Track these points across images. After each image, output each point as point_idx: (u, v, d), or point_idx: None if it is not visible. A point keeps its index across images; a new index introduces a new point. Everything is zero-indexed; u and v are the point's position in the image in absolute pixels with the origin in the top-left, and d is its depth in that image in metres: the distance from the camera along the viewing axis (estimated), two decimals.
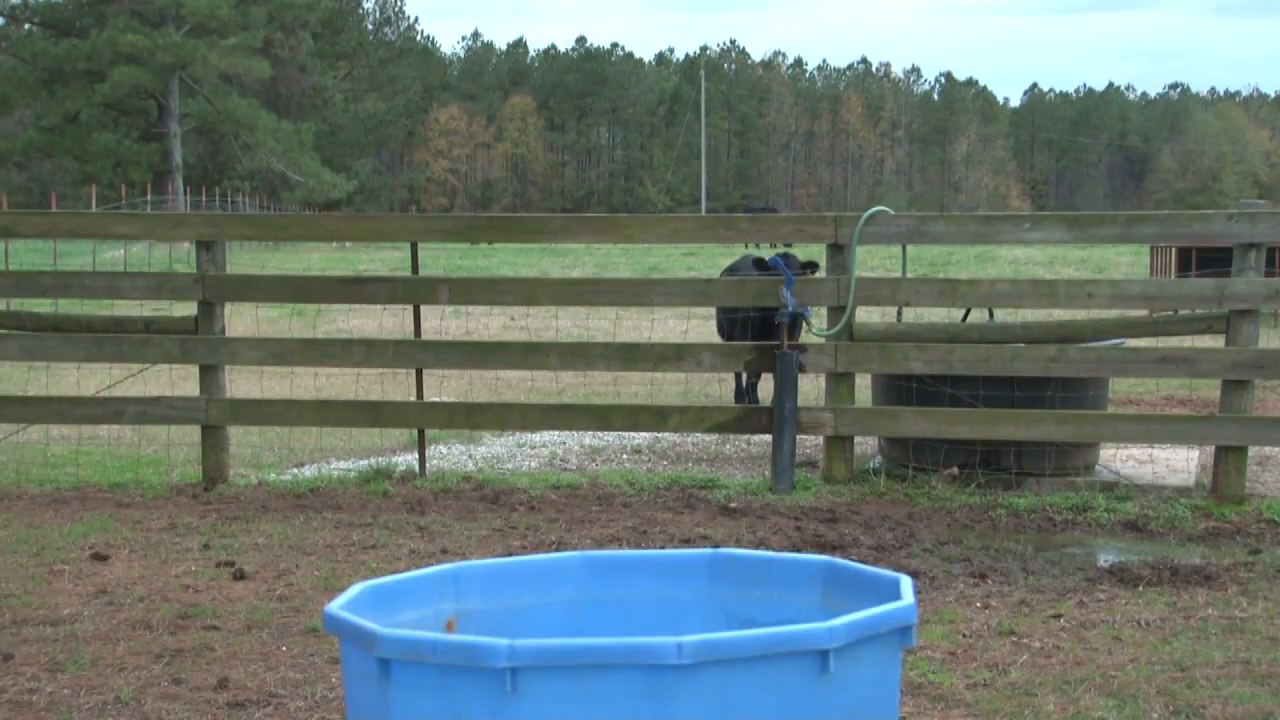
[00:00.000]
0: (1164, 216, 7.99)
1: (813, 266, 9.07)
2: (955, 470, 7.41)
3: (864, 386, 8.40)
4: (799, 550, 6.03)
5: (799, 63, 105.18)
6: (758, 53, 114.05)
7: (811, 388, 8.40)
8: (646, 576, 1.90)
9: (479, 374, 10.69)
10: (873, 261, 19.21)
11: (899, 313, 8.58)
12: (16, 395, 8.70)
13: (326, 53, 67.37)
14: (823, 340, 7.44)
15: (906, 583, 1.70)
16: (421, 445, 7.95)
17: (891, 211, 7.57)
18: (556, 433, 9.14)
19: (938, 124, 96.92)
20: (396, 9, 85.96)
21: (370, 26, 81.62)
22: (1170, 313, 8.55)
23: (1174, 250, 19.25)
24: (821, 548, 6.05)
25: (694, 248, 32.18)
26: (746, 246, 20.00)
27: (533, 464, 8.42)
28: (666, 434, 8.74)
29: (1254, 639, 4.85)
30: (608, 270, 25.43)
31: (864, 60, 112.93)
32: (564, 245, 31.75)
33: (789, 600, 1.85)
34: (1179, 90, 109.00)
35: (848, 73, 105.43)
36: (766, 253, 9.84)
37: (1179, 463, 8.05)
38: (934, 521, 6.71)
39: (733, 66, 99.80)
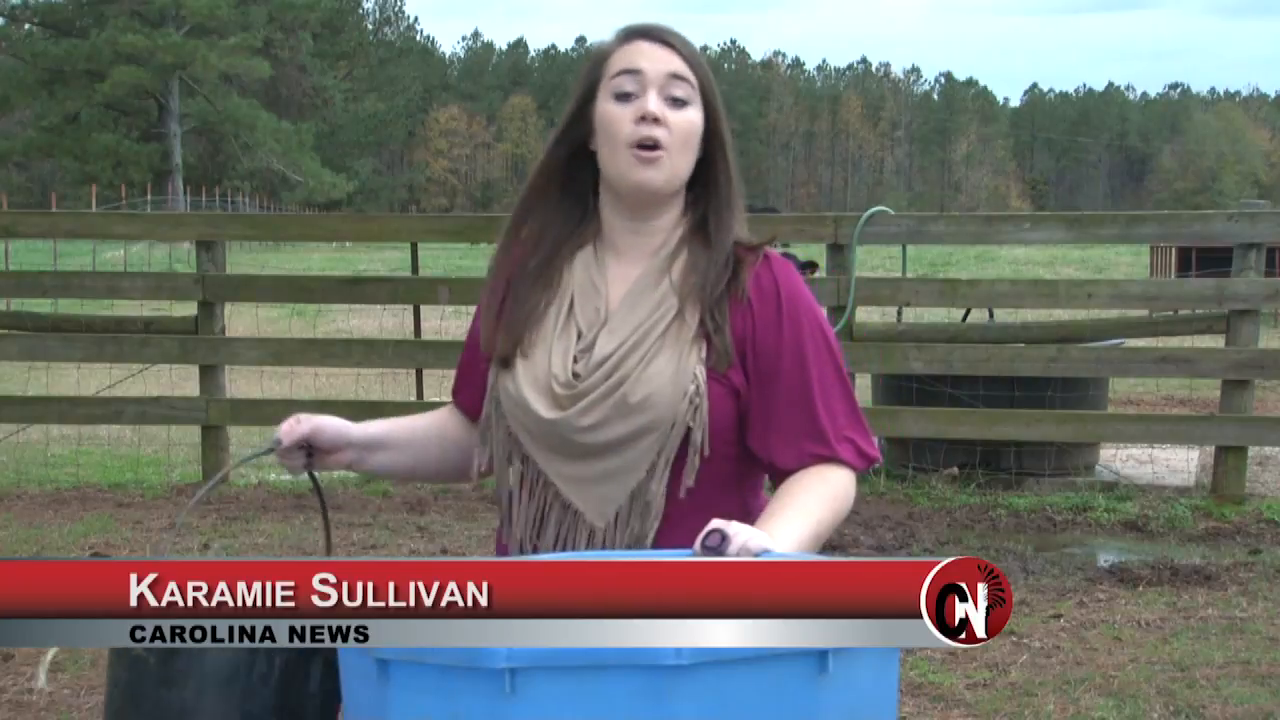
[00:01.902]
0: (1164, 216, 7.98)
1: (813, 266, 9.06)
2: (955, 470, 7.41)
3: (864, 386, 8.40)
4: None
5: (798, 63, 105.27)
6: (757, 53, 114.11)
7: None
8: None
9: None
10: (873, 261, 19.18)
11: (899, 313, 8.58)
12: (16, 395, 8.70)
13: (326, 53, 67.32)
14: None
15: None
16: None
17: (891, 211, 7.57)
18: None
19: (938, 124, 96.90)
20: (396, 9, 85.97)
21: (370, 26, 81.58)
22: (1170, 313, 8.56)
23: (1174, 250, 19.26)
24: (821, 547, 6.05)
25: None
26: None
27: None
28: None
29: (1254, 639, 4.85)
30: None
31: (864, 60, 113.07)
32: None
33: None
34: (1179, 90, 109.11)
35: (847, 73, 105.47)
36: None
37: (1179, 463, 8.05)
38: (934, 521, 6.71)
39: (732, 66, 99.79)
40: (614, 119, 1.95)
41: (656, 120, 1.93)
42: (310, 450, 2.05)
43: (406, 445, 2.11)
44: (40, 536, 6.35)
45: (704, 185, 2.01)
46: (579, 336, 1.97)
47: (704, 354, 1.92)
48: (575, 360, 1.95)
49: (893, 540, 6.30)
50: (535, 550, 1.98)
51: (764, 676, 1.50)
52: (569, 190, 2.05)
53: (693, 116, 1.96)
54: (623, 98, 1.95)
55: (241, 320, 10.42)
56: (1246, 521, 6.68)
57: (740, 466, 1.97)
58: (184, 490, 7.37)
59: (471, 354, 2.13)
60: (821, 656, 1.52)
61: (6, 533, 6.42)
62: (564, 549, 1.96)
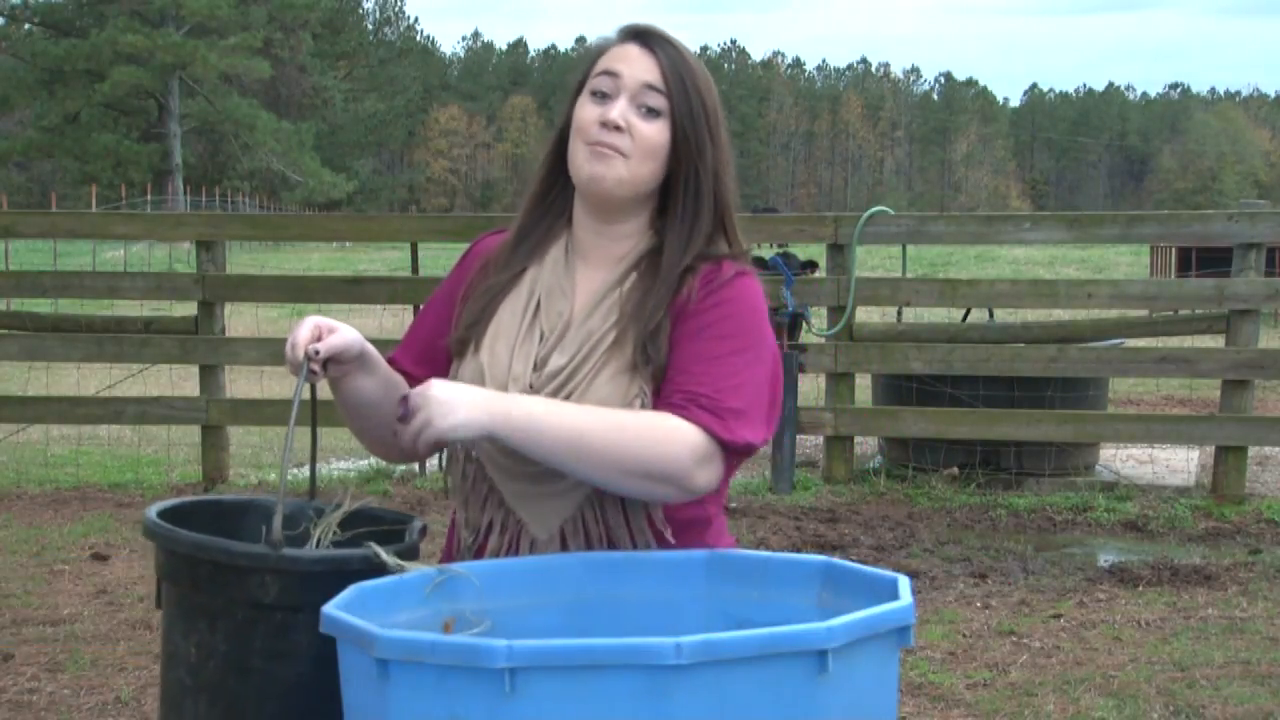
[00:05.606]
0: (1164, 216, 7.97)
1: (812, 266, 9.07)
2: (955, 470, 7.41)
3: (864, 386, 8.40)
4: (799, 550, 6.03)
5: (799, 63, 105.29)
6: (758, 53, 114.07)
7: (811, 388, 8.39)
8: (644, 576, 1.89)
9: None
10: (873, 261, 19.19)
11: (899, 313, 8.58)
12: (16, 395, 8.69)
13: (326, 53, 67.25)
14: (823, 340, 7.45)
15: (904, 582, 1.69)
16: None
17: (891, 211, 7.57)
18: None
19: (938, 124, 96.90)
20: (396, 9, 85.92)
21: (370, 26, 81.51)
22: (1170, 313, 8.56)
23: (1174, 250, 19.24)
24: (821, 548, 6.05)
25: None
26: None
27: None
28: None
29: (1254, 639, 4.85)
30: None
31: (864, 60, 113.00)
32: None
33: (786, 600, 1.85)
34: (1179, 90, 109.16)
35: (847, 73, 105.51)
36: (766, 252, 9.83)
37: (1179, 463, 8.05)
38: (934, 521, 6.71)
39: (733, 67, 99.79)
40: (583, 117, 1.96)
41: (618, 128, 1.93)
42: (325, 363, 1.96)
43: (386, 377, 2.06)
44: (40, 536, 6.34)
45: (668, 202, 2.00)
46: (541, 339, 1.97)
47: (648, 372, 1.91)
48: (535, 368, 1.95)
49: (893, 540, 6.29)
50: (480, 556, 1.96)
51: (764, 675, 1.49)
52: (560, 182, 2.05)
53: (661, 128, 1.96)
54: (598, 96, 1.97)
55: (241, 320, 10.42)
56: (1246, 521, 6.68)
57: None
58: (184, 490, 7.37)
59: (426, 320, 2.12)
60: (821, 656, 1.51)
61: (6, 533, 6.42)
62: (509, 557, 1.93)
